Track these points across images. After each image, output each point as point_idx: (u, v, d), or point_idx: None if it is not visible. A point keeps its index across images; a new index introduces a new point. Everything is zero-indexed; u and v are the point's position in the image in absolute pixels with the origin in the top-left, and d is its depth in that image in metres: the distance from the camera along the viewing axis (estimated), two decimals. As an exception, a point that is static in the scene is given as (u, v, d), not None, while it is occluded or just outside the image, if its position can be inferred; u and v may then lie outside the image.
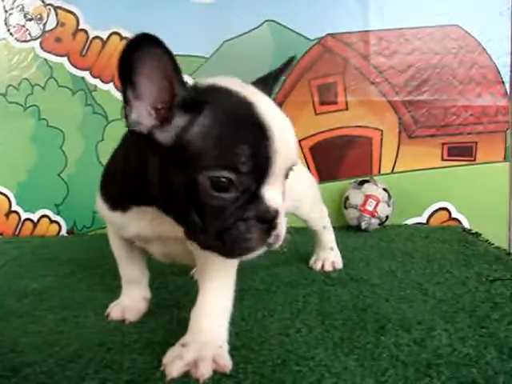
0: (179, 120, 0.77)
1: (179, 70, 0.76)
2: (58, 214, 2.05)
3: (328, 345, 0.90)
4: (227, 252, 0.78)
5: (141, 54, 0.72)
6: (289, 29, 1.87)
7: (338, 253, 1.40)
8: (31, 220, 2.07)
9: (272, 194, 0.76)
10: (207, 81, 0.81)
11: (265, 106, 0.77)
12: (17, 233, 2.08)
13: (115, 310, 1.09)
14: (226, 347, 0.85)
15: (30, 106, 2.00)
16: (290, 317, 1.04)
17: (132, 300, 1.10)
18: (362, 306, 1.08)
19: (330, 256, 1.38)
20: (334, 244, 1.41)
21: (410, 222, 1.94)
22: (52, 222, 2.06)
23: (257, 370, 0.82)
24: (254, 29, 1.89)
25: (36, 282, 1.37)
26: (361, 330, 0.96)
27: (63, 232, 2.06)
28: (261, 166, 0.74)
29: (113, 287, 1.26)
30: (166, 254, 1.03)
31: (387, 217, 1.83)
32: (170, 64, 0.75)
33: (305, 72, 1.88)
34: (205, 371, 0.80)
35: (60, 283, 1.35)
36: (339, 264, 1.37)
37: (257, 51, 1.87)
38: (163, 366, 0.82)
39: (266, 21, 1.88)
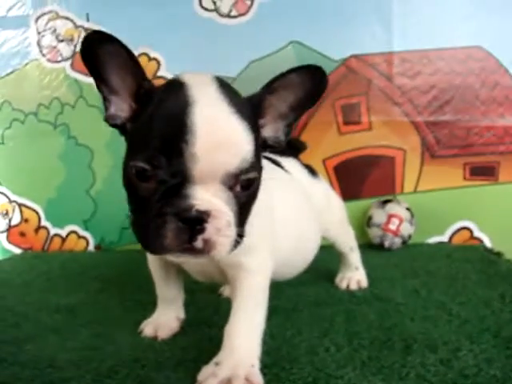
0: (139, 110, 0.82)
1: (139, 63, 0.82)
2: (86, 230, 2.10)
3: (356, 364, 0.92)
4: (145, 246, 0.78)
5: (104, 51, 0.79)
6: (313, 50, 1.90)
7: (364, 272, 1.42)
8: (60, 235, 2.12)
9: (201, 194, 0.73)
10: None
11: (202, 106, 0.74)
12: (46, 248, 2.13)
13: (148, 328, 1.11)
14: (257, 366, 0.87)
15: (60, 124, 2.05)
16: (318, 336, 1.06)
17: (165, 318, 1.13)
18: (388, 326, 1.09)
19: (355, 275, 1.40)
20: (359, 264, 1.42)
21: (431, 240, 1.94)
22: (80, 237, 2.10)
23: (288, 388, 0.84)
24: (279, 50, 1.93)
25: (67, 297, 1.40)
26: (388, 350, 0.97)
27: (91, 247, 2.11)
28: (176, 163, 0.73)
29: (144, 303, 1.29)
30: (200, 271, 1.05)
31: (410, 236, 1.84)
32: (131, 58, 0.81)
33: (329, 92, 1.91)
34: (239, 389, 0.82)
35: (91, 299, 1.38)
36: (364, 283, 1.39)
37: (282, 71, 1.90)
38: (197, 382, 0.85)
39: (291, 42, 1.92)
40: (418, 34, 1.88)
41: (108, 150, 2.03)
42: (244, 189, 0.78)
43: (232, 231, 0.77)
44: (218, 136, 0.73)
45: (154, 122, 0.77)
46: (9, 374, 0.94)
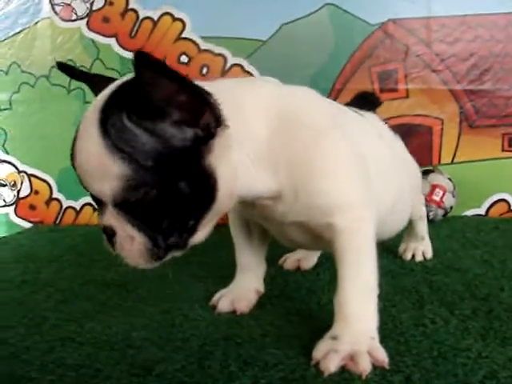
0: None
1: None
2: (101, 203, 1.96)
3: (474, 335, 0.86)
4: None
5: None
6: (349, 13, 1.82)
7: (429, 242, 1.36)
8: (73, 208, 1.99)
9: (107, 213, 0.75)
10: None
11: (78, 137, 0.73)
12: (58, 221, 2.00)
13: (224, 301, 1.02)
14: (377, 338, 0.80)
15: (75, 88, 1.91)
16: (414, 307, 1.00)
17: (243, 290, 1.04)
18: (481, 296, 1.04)
19: (420, 245, 1.34)
20: (425, 234, 1.36)
21: (469, 213, 1.89)
22: (96, 210, 1.96)
23: (417, 363, 0.77)
24: (313, 12, 1.83)
25: (110, 272, 1.30)
26: (498, 321, 0.92)
27: (108, 221, 1.97)
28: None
29: (200, 277, 1.23)
30: (286, 234, 0.95)
31: (451, 207, 1.79)
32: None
33: (365, 58, 1.84)
34: (366, 365, 0.74)
35: (138, 274, 1.24)
36: (429, 254, 1.33)
37: (315, 35, 1.83)
38: (314, 360, 0.77)
39: (326, 4, 1.83)
40: (457, -2, 1.81)
41: (127, 117, 1.90)
42: (140, 206, 0.73)
43: (136, 245, 0.76)
44: (84, 165, 0.72)
45: None
46: (84, 355, 0.85)
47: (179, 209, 0.75)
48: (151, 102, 0.69)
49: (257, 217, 0.95)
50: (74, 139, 0.73)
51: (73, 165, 0.74)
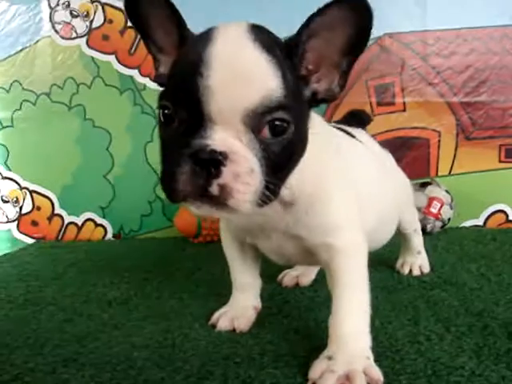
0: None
1: (179, 13, 0.77)
2: (103, 218, 1.99)
3: (469, 353, 0.87)
4: (165, 194, 0.71)
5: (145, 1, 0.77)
6: (345, 27, 1.82)
7: (426, 256, 1.37)
8: (75, 224, 2.00)
9: (219, 134, 0.66)
10: None
11: (223, 41, 0.68)
12: (60, 237, 2.02)
13: (224, 320, 1.02)
14: (372, 357, 0.81)
15: (75, 105, 1.94)
16: (409, 323, 1.00)
17: (241, 308, 1.05)
18: (476, 311, 1.05)
19: (417, 260, 1.35)
20: (422, 248, 1.37)
21: (467, 224, 1.90)
22: (97, 225, 1.99)
23: (412, 382, 0.78)
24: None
25: (112, 289, 1.32)
26: (492, 337, 0.92)
27: (109, 236, 2.00)
28: (193, 98, 0.66)
29: (200, 295, 1.24)
30: (278, 251, 0.96)
31: (449, 219, 1.80)
32: (170, 6, 0.76)
33: (362, 72, 1.85)
34: (362, 386, 0.75)
35: (139, 291, 1.29)
36: (426, 268, 1.34)
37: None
38: (311, 380, 0.78)
39: (321, 18, 1.82)
40: (453, 12, 1.82)
41: (127, 133, 1.93)
42: (274, 134, 0.69)
43: (255, 180, 0.67)
44: (235, 68, 0.66)
45: (178, 63, 0.74)
46: (87, 376, 0.85)
47: (295, 157, 0.75)
48: (301, 47, 0.73)
49: (256, 229, 0.93)
50: (204, 46, 0.68)
51: (199, 74, 0.66)
